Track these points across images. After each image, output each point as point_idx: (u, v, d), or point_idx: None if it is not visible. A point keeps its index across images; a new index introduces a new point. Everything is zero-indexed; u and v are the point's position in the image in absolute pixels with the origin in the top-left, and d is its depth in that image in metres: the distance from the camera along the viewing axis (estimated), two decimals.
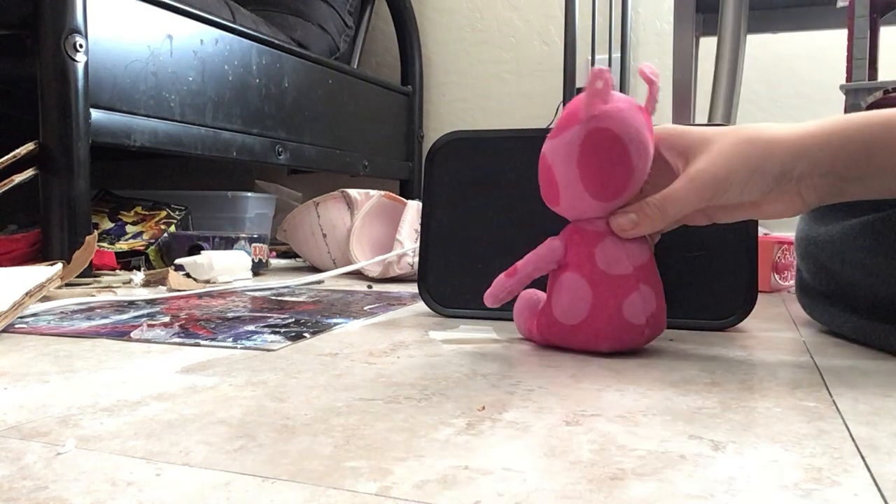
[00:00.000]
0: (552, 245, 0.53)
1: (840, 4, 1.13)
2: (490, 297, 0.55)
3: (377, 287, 1.00)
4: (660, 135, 0.52)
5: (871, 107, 1.06)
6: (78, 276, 0.92)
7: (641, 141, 0.49)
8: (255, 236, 1.19)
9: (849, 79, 1.10)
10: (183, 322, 0.65)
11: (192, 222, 1.38)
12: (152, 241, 1.25)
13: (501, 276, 0.54)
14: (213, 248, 1.13)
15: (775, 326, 0.67)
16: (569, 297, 0.51)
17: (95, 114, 1.00)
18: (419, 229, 0.83)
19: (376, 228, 1.19)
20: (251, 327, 0.62)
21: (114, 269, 1.10)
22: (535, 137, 0.71)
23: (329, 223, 1.19)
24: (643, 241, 0.52)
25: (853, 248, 0.56)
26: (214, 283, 1.00)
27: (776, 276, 0.99)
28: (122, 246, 1.23)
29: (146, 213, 1.35)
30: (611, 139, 0.48)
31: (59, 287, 0.84)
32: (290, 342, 0.56)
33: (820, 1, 1.28)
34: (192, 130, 1.18)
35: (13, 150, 0.93)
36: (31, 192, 0.98)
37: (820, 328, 0.66)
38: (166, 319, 0.66)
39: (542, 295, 0.56)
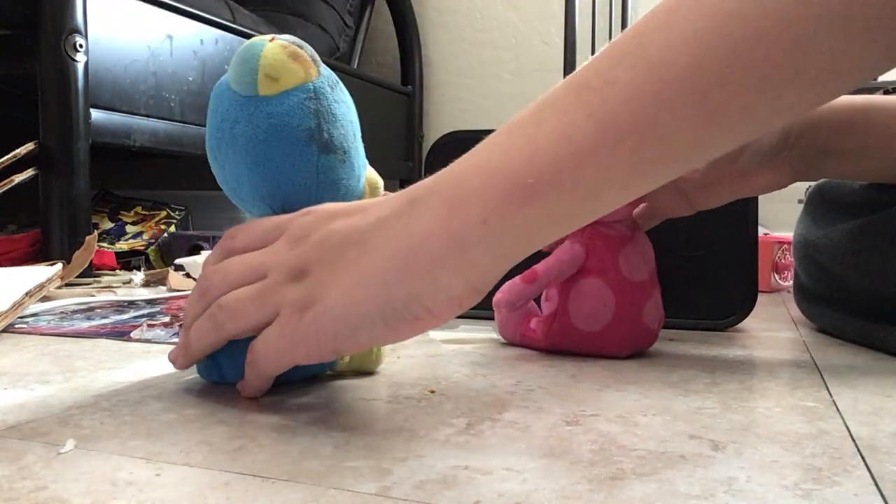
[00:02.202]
0: (575, 250, 0.51)
1: None
2: (507, 305, 0.53)
3: None
4: None
5: None
6: (78, 276, 0.92)
7: None
8: None
9: None
10: (183, 322, 0.65)
11: (192, 222, 1.38)
12: (152, 241, 1.25)
13: (517, 281, 0.52)
14: (213, 248, 1.13)
15: (775, 326, 0.67)
16: (591, 304, 0.50)
17: (95, 114, 1.00)
18: None
19: None
20: None
21: (114, 269, 1.10)
22: None
23: None
24: (650, 244, 0.53)
25: (852, 249, 0.57)
26: None
27: (776, 276, 0.99)
28: (122, 246, 1.23)
29: (146, 213, 1.35)
30: None
31: (59, 287, 0.84)
32: None
33: None
34: (192, 130, 1.18)
35: (13, 150, 0.93)
36: (31, 192, 0.98)
37: (820, 328, 0.66)
38: (166, 319, 0.66)
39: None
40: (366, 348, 0.36)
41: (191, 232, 1.25)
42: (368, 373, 0.45)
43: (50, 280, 0.68)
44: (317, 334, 0.33)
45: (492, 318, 0.67)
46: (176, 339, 0.56)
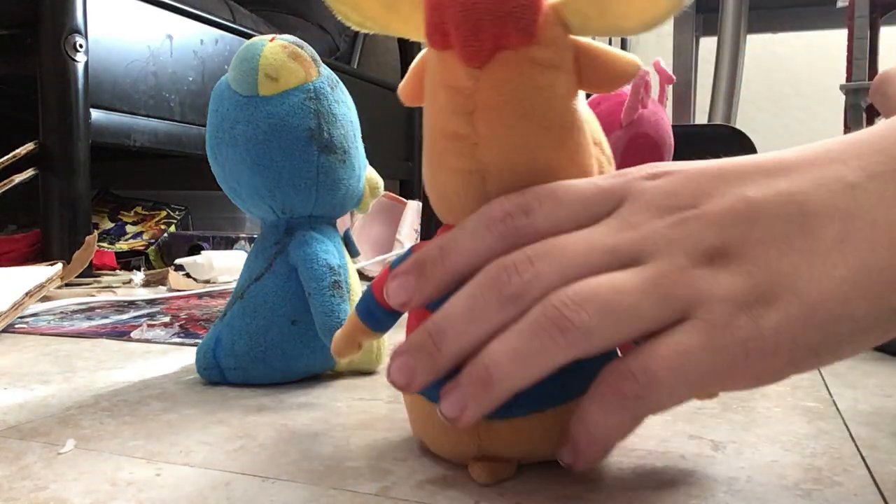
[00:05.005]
0: None
1: (840, 4, 1.14)
2: None
3: None
4: None
5: (870, 107, 1.06)
6: (78, 276, 0.92)
7: (671, 144, 0.48)
8: (255, 236, 1.18)
9: (849, 79, 1.10)
10: (183, 322, 0.65)
11: (192, 222, 1.38)
12: (152, 241, 1.25)
13: None
14: (213, 248, 1.13)
15: None
16: None
17: (95, 114, 1.00)
18: (419, 229, 0.83)
19: (376, 228, 1.19)
20: None
21: (114, 269, 1.10)
22: None
23: None
24: None
25: None
26: (214, 283, 1.00)
27: None
28: (122, 246, 1.23)
29: (146, 213, 1.35)
30: (650, 146, 0.47)
31: (59, 287, 0.84)
32: None
33: (820, 1, 1.28)
34: (192, 130, 1.18)
35: (13, 150, 0.93)
36: (31, 192, 0.98)
37: None
38: (166, 319, 0.66)
39: None
40: (838, 360, 0.23)
41: (191, 232, 1.25)
42: (368, 373, 0.45)
43: (50, 280, 0.68)
44: (792, 345, 0.22)
45: None
46: (176, 339, 0.56)
